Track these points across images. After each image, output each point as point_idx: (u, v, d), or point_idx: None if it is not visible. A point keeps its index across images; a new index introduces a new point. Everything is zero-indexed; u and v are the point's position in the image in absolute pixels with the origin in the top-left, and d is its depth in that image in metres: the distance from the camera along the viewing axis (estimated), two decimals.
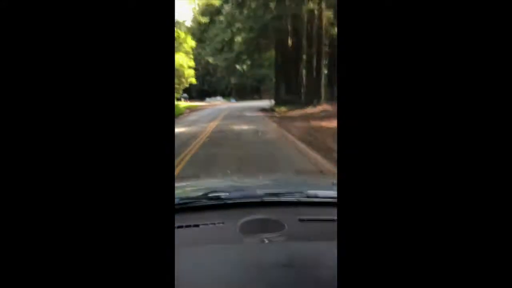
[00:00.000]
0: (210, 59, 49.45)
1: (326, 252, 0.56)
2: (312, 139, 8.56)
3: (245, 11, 22.64)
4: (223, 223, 1.08)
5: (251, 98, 50.46)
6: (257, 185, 1.66)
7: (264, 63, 29.98)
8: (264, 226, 1.02)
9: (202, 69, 53.91)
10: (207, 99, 49.84)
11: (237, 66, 46.54)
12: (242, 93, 52.98)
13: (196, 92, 54.16)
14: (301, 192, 1.28)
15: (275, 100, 23.64)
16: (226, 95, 53.03)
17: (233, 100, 48.56)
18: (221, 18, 27.27)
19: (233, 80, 51.49)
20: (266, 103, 30.09)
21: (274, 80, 26.37)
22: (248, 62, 29.01)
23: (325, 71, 21.02)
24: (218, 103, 42.92)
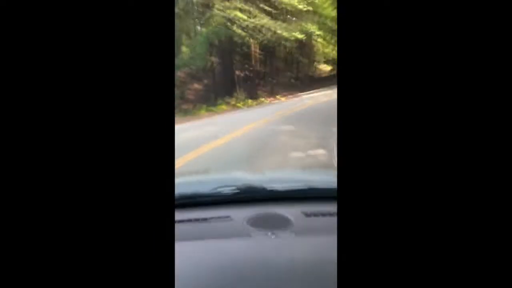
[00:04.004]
0: None
1: (334, 247, 0.58)
2: None
3: None
4: (230, 217, 1.09)
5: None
6: (264, 180, 1.49)
7: None
8: (271, 221, 1.05)
9: None
10: None
11: None
12: None
13: None
14: (308, 187, 1.29)
15: None
16: None
17: None
18: None
19: None
20: None
21: None
22: None
23: None
24: None
